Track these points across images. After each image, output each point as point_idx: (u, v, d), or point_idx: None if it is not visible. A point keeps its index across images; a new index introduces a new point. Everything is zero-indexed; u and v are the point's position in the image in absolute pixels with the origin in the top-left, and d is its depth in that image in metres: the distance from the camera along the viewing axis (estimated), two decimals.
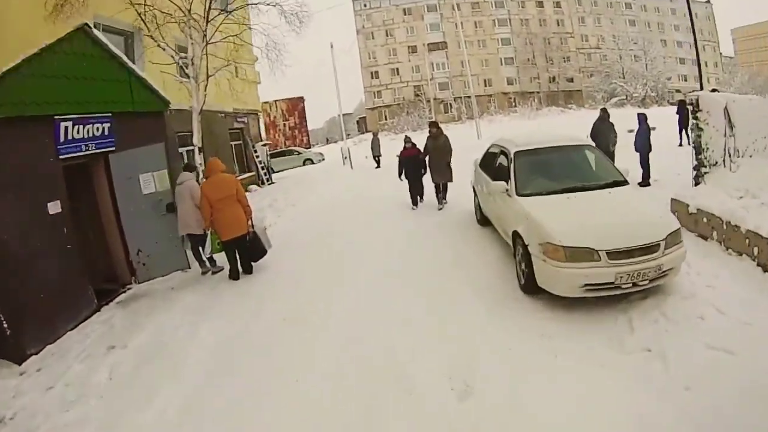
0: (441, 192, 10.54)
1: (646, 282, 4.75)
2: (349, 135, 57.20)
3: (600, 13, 59.19)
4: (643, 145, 10.99)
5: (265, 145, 20.64)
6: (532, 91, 55.76)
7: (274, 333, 5.38)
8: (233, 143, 18.77)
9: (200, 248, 7.87)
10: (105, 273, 7.92)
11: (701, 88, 8.68)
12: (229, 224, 7.16)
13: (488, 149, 8.37)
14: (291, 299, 6.28)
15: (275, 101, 57.66)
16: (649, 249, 4.72)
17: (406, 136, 11.38)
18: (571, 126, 28.61)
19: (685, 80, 57.59)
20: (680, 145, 16.67)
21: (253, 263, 7.59)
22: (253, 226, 7.51)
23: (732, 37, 71.32)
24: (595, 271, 4.65)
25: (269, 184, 19.69)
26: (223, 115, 17.48)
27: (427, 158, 10.46)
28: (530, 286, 5.28)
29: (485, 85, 56.58)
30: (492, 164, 7.64)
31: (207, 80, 10.20)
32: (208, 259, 7.90)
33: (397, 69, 59.17)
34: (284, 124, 58.00)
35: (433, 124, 10.68)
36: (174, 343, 5.47)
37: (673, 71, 56.49)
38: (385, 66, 59.38)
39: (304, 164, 31.30)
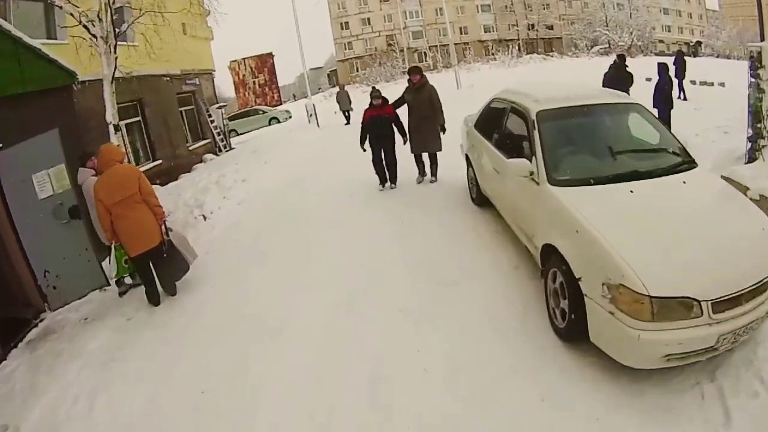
0: (425, 164, 8.35)
1: (746, 336, 3.14)
2: (320, 89, 55.02)
3: None
4: (663, 100, 9.39)
5: (220, 107, 18.26)
6: (510, 39, 53.40)
7: (187, 417, 3.65)
8: (183, 109, 16.47)
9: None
10: (21, 298, 6.06)
11: (762, 38, 6.92)
12: (136, 235, 5.26)
13: (489, 104, 6.32)
14: (219, 349, 4.47)
15: (243, 59, 56.23)
16: (759, 289, 3.05)
17: (373, 88, 8.54)
18: (557, 73, 27.15)
19: (669, 31, 56.12)
20: (679, 97, 15.41)
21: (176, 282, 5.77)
22: (167, 234, 5.61)
23: None
24: (692, 333, 2.91)
25: (227, 151, 17.53)
26: (168, 78, 15.10)
27: (406, 119, 8.01)
28: (574, 334, 3.52)
29: (461, 33, 53.93)
30: (497, 127, 5.62)
31: (116, 39, 7.98)
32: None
33: (368, 19, 56.02)
34: (254, 82, 57.00)
35: (415, 70, 7.94)
36: (67, 426, 3.82)
37: (657, 21, 54.37)
38: (356, 16, 56.16)
39: (270, 124, 28.93)
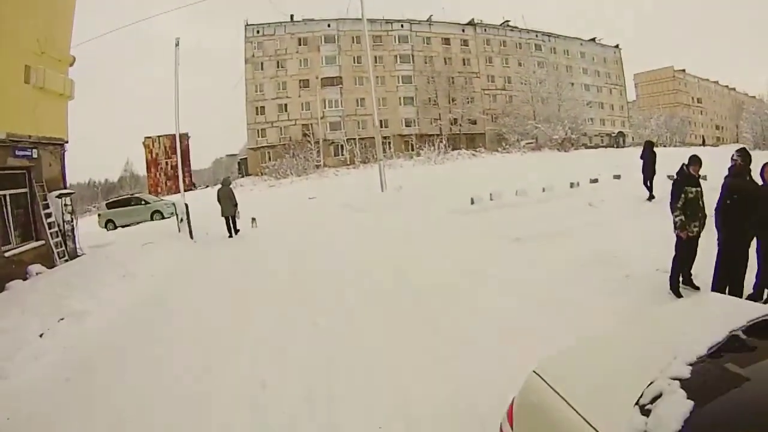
0: None
1: None
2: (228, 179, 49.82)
3: (508, 54, 57.56)
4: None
5: (62, 195, 12.19)
6: (432, 134, 51.74)
7: None
8: (5, 193, 10.80)
9: None
10: None
11: None
12: None
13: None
14: None
15: (158, 136, 53.22)
16: None
17: None
18: (491, 172, 23.57)
19: (591, 122, 58.52)
20: (650, 198, 12.89)
21: None
22: None
23: (634, 81, 75.31)
24: None
25: (64, 262, 11.63)
26: None
27: None
28: None
29: (381, 126, 51.72)
30: None
31: None
32: None
33: (286, 105, 52.59)
34: (166, 162, 53.14)
35: None
36: None
37: (584, 114, 56.54)
38: (273, 101, 52.58)
39: (152, 218, 22.64)
